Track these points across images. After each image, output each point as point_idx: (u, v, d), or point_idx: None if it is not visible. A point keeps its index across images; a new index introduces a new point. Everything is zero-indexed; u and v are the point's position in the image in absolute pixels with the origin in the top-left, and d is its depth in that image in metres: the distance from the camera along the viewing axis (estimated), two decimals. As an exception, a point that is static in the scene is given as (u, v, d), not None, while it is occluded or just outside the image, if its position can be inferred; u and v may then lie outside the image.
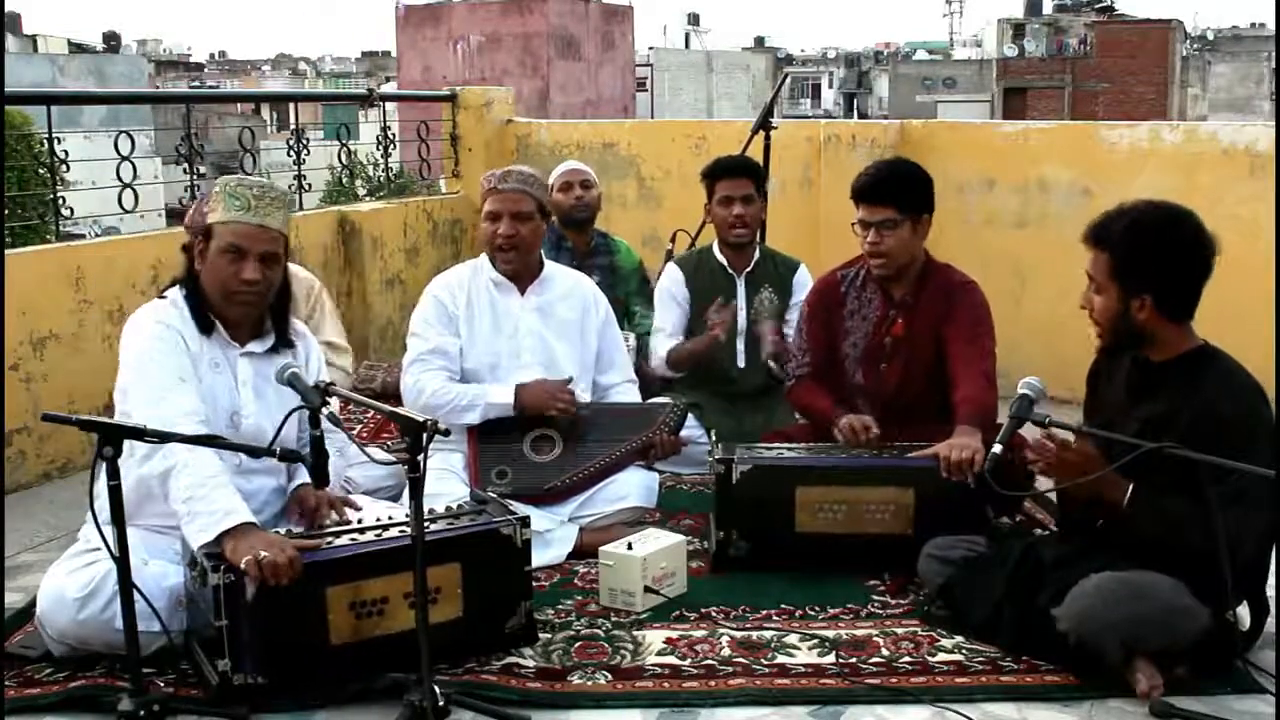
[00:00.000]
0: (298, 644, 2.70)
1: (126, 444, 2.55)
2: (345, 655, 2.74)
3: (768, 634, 3.09)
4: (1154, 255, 2.80)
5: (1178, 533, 2.75)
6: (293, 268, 4.13)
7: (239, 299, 2.99)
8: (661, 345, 4.62)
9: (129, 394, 2.90)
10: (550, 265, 3.97)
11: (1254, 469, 2.56)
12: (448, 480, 3.61)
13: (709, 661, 2.93)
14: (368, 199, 9.84)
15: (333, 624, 2.72)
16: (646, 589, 3.22)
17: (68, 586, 2.82)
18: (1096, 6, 46.40)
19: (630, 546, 3.27)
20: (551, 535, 3.58)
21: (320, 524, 2.99)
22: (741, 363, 4.64)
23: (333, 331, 4.13)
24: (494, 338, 3.81)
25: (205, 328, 3.01)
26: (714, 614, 3.22)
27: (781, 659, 2.95)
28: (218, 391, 3.00)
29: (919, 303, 3.81)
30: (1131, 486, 2.80)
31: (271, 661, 2.67)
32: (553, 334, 3.86)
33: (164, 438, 2.62)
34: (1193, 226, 2.82)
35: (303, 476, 3.07)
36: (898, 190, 3.74)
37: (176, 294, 3.05)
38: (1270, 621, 2.93)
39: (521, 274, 3.85)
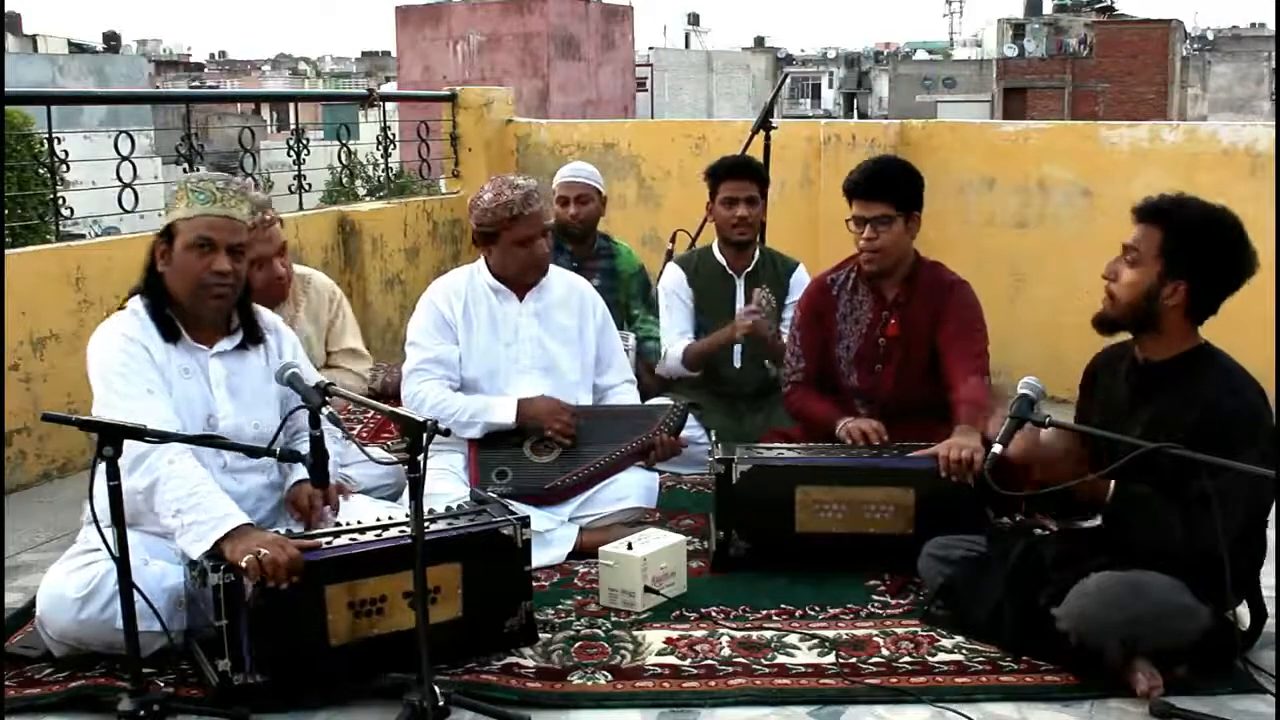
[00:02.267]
0: (296, 642, 2.69)
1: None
2: (344, 654, 2.73)
3: (768, 634, 3.09)
4: (1209, 247, 2.81)
5: (1157, 530, 2.75)
6: (310, 272, 4.15)
7: (212, 293, 2.95)
8: (675, 345, 4.61)
9: (100, 413, 2.85)
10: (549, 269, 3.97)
11: (1253, 469, 2.56)
12: (448, 480, 3.61)
13: (709, 661, 2.93)
14: (368, 199, 9.84)
15: (331, 623, 2.72)
16: (646, 589, 3.22)
17: (67, 587, 2.82)
18: (1096, 6, 46.41)
19: (630, 546, 3.27)
20: (551, 535, 3.58)
21: (317, 523, 2.98)
22: (738, 363, 4.64)
23: (353, 339, 4.20)
24: (493, 344, 3.80)
25: (171, 335, 2.98)
26: (714, 614, 3.22)
27: (781, 659, 2.95)
28: (191, 397, 2.97)
29: (911, 302, 3.82)
30: (1113, 484, 2.81)
31: (270, 660, 2.67)
32: (551, 339, 3.85)
33: (164, 437, 2.62)
34: (1247, 237, 2.85)
35: (298, 474, 3.07)
36: (893, 187, 3.75)
37: (137, 303, 3.01)
38: (1270, 622, 2.93)
39: (529, 281, 3.85)
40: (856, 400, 3.87)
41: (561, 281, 3.97)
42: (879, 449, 3.61)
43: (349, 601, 2.74)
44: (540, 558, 3.36)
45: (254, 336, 3.11)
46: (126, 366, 2.89)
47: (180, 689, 2.77)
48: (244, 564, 2.60)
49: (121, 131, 5.15)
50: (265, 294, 3.78)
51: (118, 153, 5.06)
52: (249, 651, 2.64)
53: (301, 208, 6.18)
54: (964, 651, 2.97)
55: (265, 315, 3.22)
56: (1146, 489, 2.79)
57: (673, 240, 5.36)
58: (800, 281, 4.60)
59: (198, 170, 5.47)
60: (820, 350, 3.93)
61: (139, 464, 2.71)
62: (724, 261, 4.64)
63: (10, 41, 35.47)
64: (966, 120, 7.60)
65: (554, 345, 3.85)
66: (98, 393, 2.91)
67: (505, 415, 3.68)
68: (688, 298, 4.66)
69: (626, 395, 4.01)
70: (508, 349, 3.81)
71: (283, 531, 2.83)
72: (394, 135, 7.06)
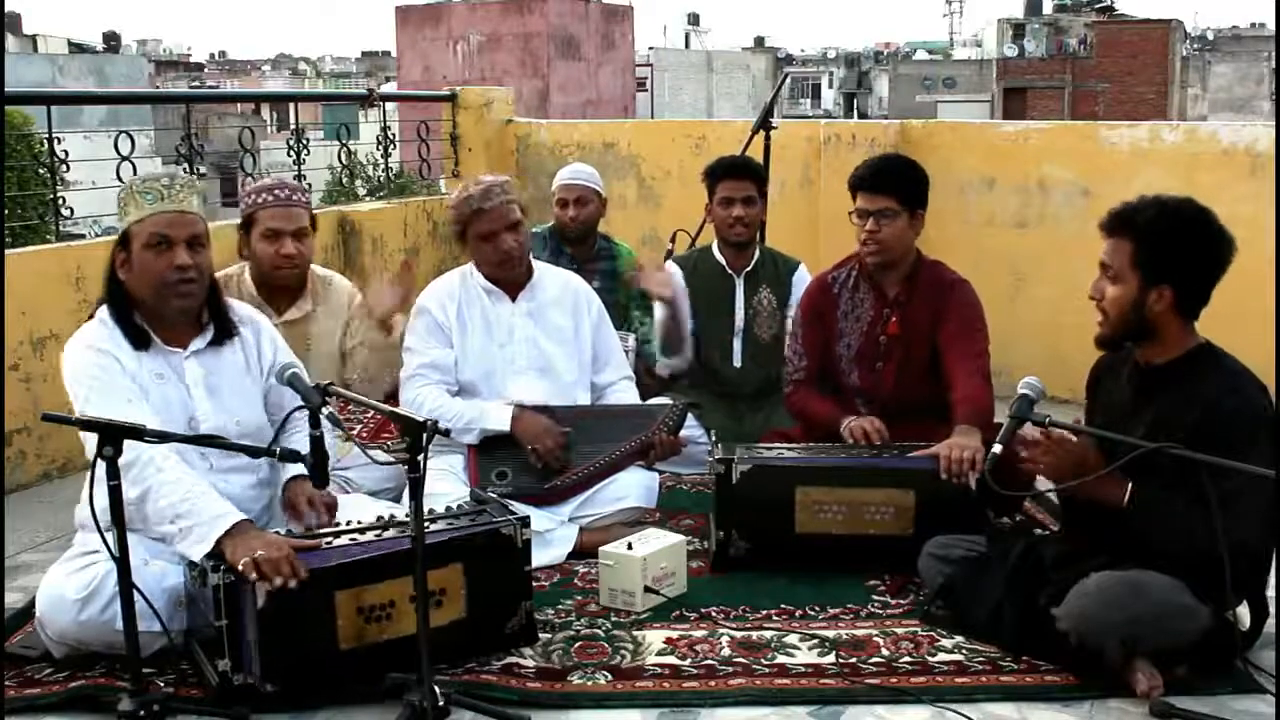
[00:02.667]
0: (308, 650, 2.68)
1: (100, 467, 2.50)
2: (354, 660, 2.72)
3: (768, 634, 3.08)
4: (1181, 246, 2.79)
5: (1178, 533, 2.74)
6: (331, 274, 4.11)
7: (177, 290, 2.92)
8: (658, 340, 4.61)
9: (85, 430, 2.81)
10: (540, 267, 3.96)
11: (1254, 469, 2.55)
12: (448, 480, 3.61)
13: (709, 661, 2.93)
14: (368, 199, 9.83)
15: (341, 629, 2.71)
16: (646, 589, 3.22)
17: (67, 588, 2.82)
18: (1096, 6, 46.42)
19: (630, 546, 3.27)
20: (551, 535, 3.58)
21: (313, 525, 2.97)
22: (739, 362, 4.64)
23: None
24: (488, 345, 3.80)
25: (141, 342, 2.95)
26: (714, 614, 3.22)
27: (781, 659, 2.95)
28: (169, 402, 2.96)
29: (912, 300, 3.82)
30: (1131, 485, 2.80)
31: (282, 669, 2.65)
32: (547, 338, 3.85)
33: (164, 437, 2.61)
34: (1217, 222, 2.82)
35: (289, 473, 3.06)
36: (898, 181, 3.76)
37: (105, 312, 2.99)
38: (1270, 622, 2.93)
39: (518, 279, 3.85)
40: (857, 399, 3.87)
41: (556, 281, 3.97)
42: (879, 449, 3.60)
43: (358, 607, 2.73)
44: (540, 558, 3.36)
45: (225, 330, 3.08)
46: (99, 380, 2.87)
47: (180, 689, 2.77)
48: (241, 567, 2.60)
49: (121, 131, 5.15)
50: (272, 275, 3.71)
51: (118, 153, 5.06)
52: (259, 660, 2.63)
53: (301, 208, 6.17)
54: (964, 651, 2.97)
55: (239, 308, 3.19)
56: (1165, 493, 2.78)
57: (673, 240, 5.36)
58: (802, 281, 4.59)
59: (199, 170, 5.48)
60: (822, 349, 3.93)
61: (125, 474, 2.66)
62: (724, 261, 4.64)
63: (10, 41, 35.48)
64: (966, 120, 7.60)
65: (549, 345, 3.85)
66: (77, 407, 2.85)
67: (500, 422, 3.67)
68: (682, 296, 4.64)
69: (625, 393, 4.01)
70: (502, 349, 3.80)
71: (282, 531, 2.82)
72: (394, 135, 7.06)
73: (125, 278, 2.96)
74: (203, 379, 3.03)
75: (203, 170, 5.71)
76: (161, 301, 2.95)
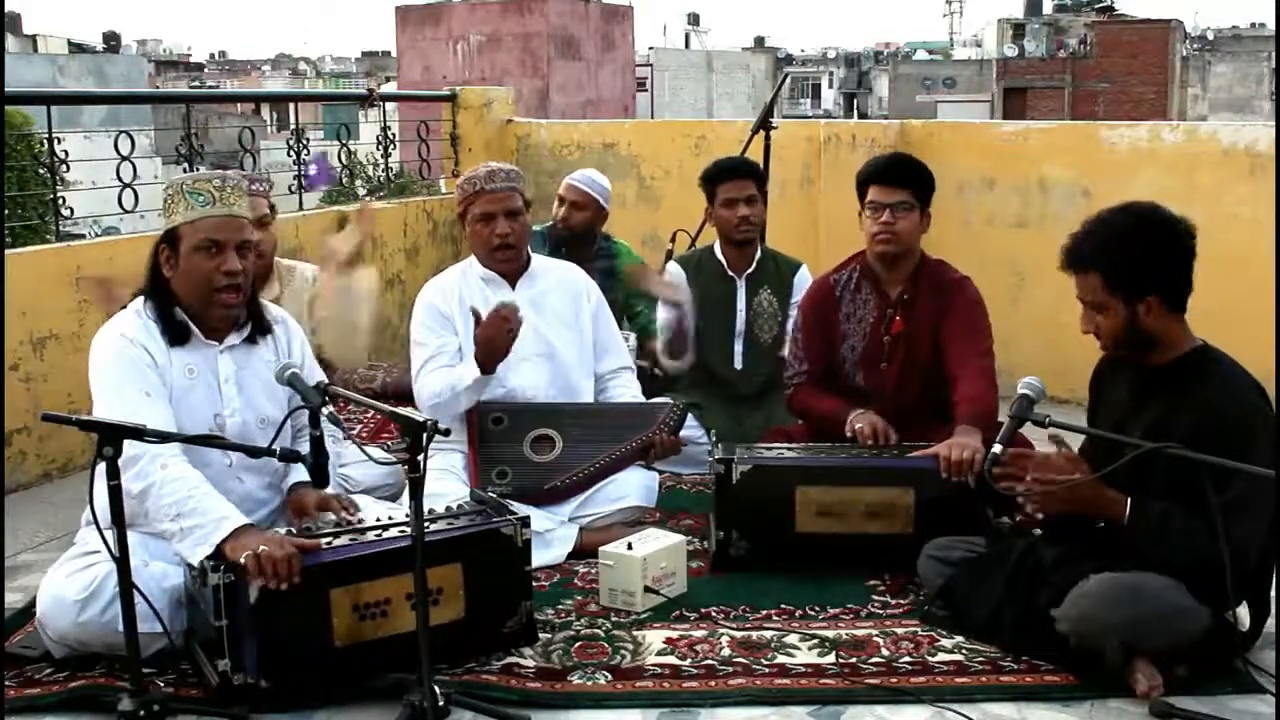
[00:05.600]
0: (302, 647, 2.69)
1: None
2: (349, 657, 2.73)
3: (768, 634, 3.08)
4: (1144, 254, 2.80)
5: (1182, 547, 2.73)
6: (293, 262, 4.13)
7: (223, 296, 2.95)
8: (662, 342, 4.61)
9: (99, 414, 2.82)
10: (537, 258, 3.98)
11: (1254, 469, 2.55)
12: (448, 480, 3.61)
13: (709, 661, 2.93)
14: (368, 199, 9.83)
15: (336, 626, 2.71)
16: (646, 589, 3.22)
17: (67, 589, 2.81)
18: (1096, 6, 46.38)
19: (630, 546, 3.27)
20: (551, 535, 3.58)
21: (319, 525, 2.98)
22: (739, 363, 4.64)
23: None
24: None
25: (178, 337, 2.97)
26: (714, 614, 3.22)
27: (781, 659, 2.95)
28: (196, 397, 2.97)
29: (916, 300, 3.82)
30: (1130, 502, 2.79)
31: (275, 665, 2.66)
32: (547, 325, 3.86)
33: (164, 437, 2.62)
34: (1163, 216, 2.83)
35: (297, 476, 3.06)
36: (913, 175, 3.76)
37: (140, 304, 3.00)
38: (1270, 621, 2.93)
39: (513, 269, 3.86)
40: (861, 401, 3.86)
41: (553, 269, 4.00)
42: (879, 449, 3.60)
43: (353, 605, 2.73)
44: (540, 558, 3.36)
45: (261, 328, 3.11)
46: (124, 370, 2.89)
47: (180, 689, 2.77)
48: (243, 561, 2.60)
49: (121, 131, 5.15)
50: None
51: (118, 153, 5.06)
52: (253, 657, 2.63)
53: (301, 208, 6.17)
54: (964, 651, 2.97)
55: (273, 309, 3.22)
56: (1163, 505, 2.78)
57: (673, 240, 5.35)
58: (803, 281, 4.59)
59: (198, 170, 5.48)
60: (824, 351, 3.93)
61: (130, 468, 2.68)
62: (725, 262, 4.64)
63: (10, 41, 35.45)
64: (967, 120, 7.60)
65: (550, 331, 3.86)
66: (95, 394, 2.90)
67: (470, 372, 3.63)
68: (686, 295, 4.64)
69: (627, 384, 4.01)
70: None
71: (282, 532, 2.82)
72: (394, 135, 7.06)
73: (170, 275, 2.97)
74: (234, 374, 3.04)
75: (203, 170, 5.70)
76: (206, 304, 2.97)
